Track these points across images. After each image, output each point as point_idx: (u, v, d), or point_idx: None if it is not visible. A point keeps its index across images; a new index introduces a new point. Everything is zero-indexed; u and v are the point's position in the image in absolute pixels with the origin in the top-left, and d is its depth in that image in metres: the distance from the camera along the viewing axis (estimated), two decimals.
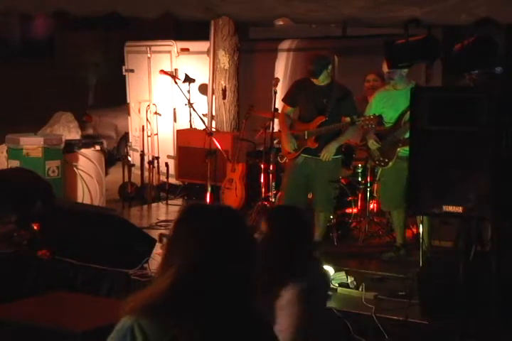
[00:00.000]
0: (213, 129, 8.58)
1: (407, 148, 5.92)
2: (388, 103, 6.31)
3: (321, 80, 6.27)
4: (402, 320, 4.71)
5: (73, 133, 11.15)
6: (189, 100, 8.44)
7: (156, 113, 9.39)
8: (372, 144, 6.34)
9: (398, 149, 6.24)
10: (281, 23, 10.45)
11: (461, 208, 4.30)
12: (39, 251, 6.30)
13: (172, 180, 9.04)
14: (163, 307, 1.92)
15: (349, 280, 5.36)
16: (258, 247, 2.12)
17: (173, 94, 9.43)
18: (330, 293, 3.50)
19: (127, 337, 1.92)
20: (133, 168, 9.00)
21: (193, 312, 1.92)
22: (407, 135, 6.08)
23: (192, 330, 1.91)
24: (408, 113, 6.09)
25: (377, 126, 6.26)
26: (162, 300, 1.93)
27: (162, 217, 7.97)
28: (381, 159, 6.34)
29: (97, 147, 8.27)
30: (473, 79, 4.84)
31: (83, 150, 8.10)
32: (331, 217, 6.70)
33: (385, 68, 6.05)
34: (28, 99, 15.55)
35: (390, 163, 6.29)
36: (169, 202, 8.71)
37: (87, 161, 8.08)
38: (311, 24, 9.67)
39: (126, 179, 8.81)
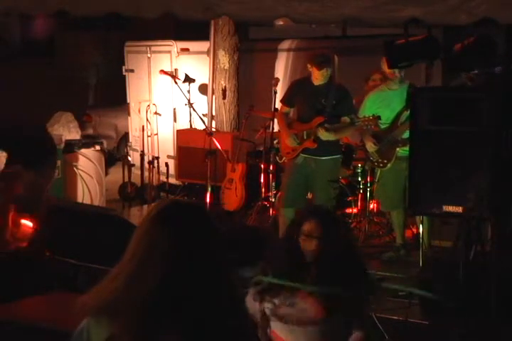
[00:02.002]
0: (213, 129, 8.58)
1: (405, 148, 5.92)
2: (383, 103, 6.31)
3: (328, 74, 6.25)
4: (402, 320, 4.71)
5: (73, 133, 11.13)
6: (189, 100, 8.45)
7: (156, 113, 9.39)
8: (371, 147, 6.34)
9: (397, 149, 6.24)
10: (281, 23, 10.44)
11: (461, 208, 4.30)
12: (39, 251, 6.29)
13: (172, 180, 9.04)
14: (121, 307, 1.91)
15: None
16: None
17: (173, 94, 9.43)
18: None
19: (80, 336, 1.98)
20: (133, 168, 9.00)
21: (172, 315, 1.90)
22: (404, 135, 6.09)
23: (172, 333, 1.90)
24: (404, 113, 6.11)
25: (374, 126, 6.26)
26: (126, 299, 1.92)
27: None
28: (380, 160, 6.34)
29: (97, 147, 8.27)
30: (471, 78, 4.84)
31: (83, 150, 8.09)
32: None
33: (385, 68, 6.05)
34: (28, 99, 15.54)
35: (389, 164, 6.29)
36: None
37: (87, 161, 8.08)
38: (311, 24, 9.66)
39: (126, 179, 8.81)
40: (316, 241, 3.21)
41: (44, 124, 6.83)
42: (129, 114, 10.73)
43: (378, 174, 6.56)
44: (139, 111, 9.68)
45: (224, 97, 8.93)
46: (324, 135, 6.24)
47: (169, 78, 8.84)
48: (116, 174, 10.16)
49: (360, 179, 7.03)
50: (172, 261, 1.94)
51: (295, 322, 3.18)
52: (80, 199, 7.93)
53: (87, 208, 7.22)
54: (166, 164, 9.06)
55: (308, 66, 6.33)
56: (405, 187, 5.91)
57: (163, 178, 9.15)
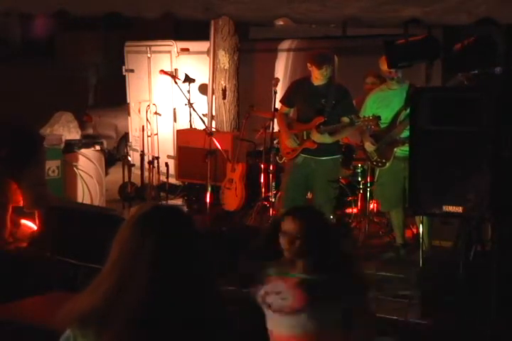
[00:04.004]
0: (213, 129, 8.58)
1: (404, 148, 5.93)
2: (383, 103, 6.31)
3: (329, 72, 6.25)
4: (402, 320, 4.71)
5: (73, 133, 11.16)
6: (189, 100, 8.44)
7: (156, 113, 9.39)
8: (369, 146, 6.35)
9: (395, 149, 6.24)
10: (281, 23, 10.46)
11: (461, 208, 4.30)
12: (38, 251, 6.30)
13: (172, 180, 9.04)
14: (100, 316, 1.89)
15: None
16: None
17: (173, 94, 9.43)
18: None
19: None
20: (133, 168, 9.00)
21: (162, 324, 1.89)
22: (403, 135, 6.09)
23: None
24: (403, 113, 6.11)
25: (375, 126, 6.26)
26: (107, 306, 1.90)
27: None
28: (378, 160, 6.34)
29: (97, 147, 8.26)
30: (468, 78, 4.84)
31: (83, 150, 8.09)
32: (331, 217, 6.70)
33: (384, 67, 6.05)
34: (28, 98, 15.55)
35: (388, 164, 6.29)
36: (169, 202, 8.71)
37: (87, 161, 8.07)
38: (311, 24, 9.67)
39: (126, 179, 8.81)
40: (291, 239, 3.17)
41: (28, 123, 6.85)
42: (129, 114, 10.74)
43: (377, 174, 6.56)
44: (139, 111, 9.68)
45: (224, 97, 8.93)
46: (317, 137, 6.26)
47: (169, 78, 8.84)
48: (116, 174, 10.16)
49: (360, 179, 7.02)
50: (158, 268, 1.92)
51: (278, 311, 3.16)
52: (80, 199, 7.93)
53: (87, 208, 7.22)
54: (166, 164, 9.06)
55: (308, 65, 6.33)
56: (404, 187, 5.92)
57: (163, 178, 9.15)
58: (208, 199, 7.73)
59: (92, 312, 1.90)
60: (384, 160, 6.30)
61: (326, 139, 6.30)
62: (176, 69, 9.39)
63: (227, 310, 2.04)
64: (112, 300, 1.90)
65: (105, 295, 1.91)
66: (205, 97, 9.24)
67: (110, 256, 1.97)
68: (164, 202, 8.71)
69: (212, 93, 9.02)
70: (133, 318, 1.87)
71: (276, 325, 3.19)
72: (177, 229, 1.99)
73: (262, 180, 7.45)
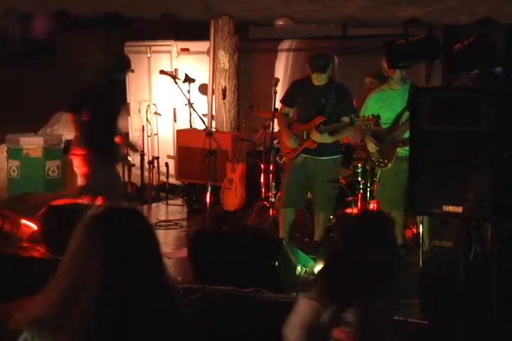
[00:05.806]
0: (213, 129, 8.58)
1: (406, 149, 5.92)
2: (385, 104, 6.30)
3: (323, 78, 6.26)
4: (402, 320, 4.71)
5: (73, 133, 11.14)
6: (189, 100, 8.44)
7: (156, 113, 9.39)
8: (372, 147, 6.34)
9: (398, 149, 6.24)
10: (281, 23, 10.45)
11: (461, 208, 4.29)
12: (38, 251, 6.31)
13: (172, 180, 9.04)
14: (57, 318, 1.88)
15: None
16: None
17: (173, 94, 9.43)
18: None
19: None
20: (133, 168, 8.99)
21: (118, 327, 1.88)
22: (405, 135, 6.08)
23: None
24: (406, 113, 6.11)
25: (375, 126, 6.26)
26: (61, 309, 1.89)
27: (162, 217, 7.98)
28: (381, 160, 6.33)
29: None
30: (472, 79, 4.84)
31: None
32: (331, 217, 6.69)
33: (385, 67, 6.04)
34: (28, 98, 15.52)
35: (390, 164, 6.28)
36: (169, 202, 8.71)
37: None
38: (311, 24, 9.67)
39: (126, 179, 8.81)
40: None
41: None
42: (129, 114, 10.73)
43: (379, 174, 6.54)
44: (139, 111, 9.67)
45: (224, 97, 8.93)
46: (317, 137, 6.25)
47: (169, 78, 8.83)
48: None
49: (360, 179, 7.01)
50: (110, 267, 1.91)
51: None
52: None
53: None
54: (166, 164, 9.06)
55: (308, 65, 6.35)
56: (406, 187, 5.91)
57: (163, 178, 9.15)
58: (207, 199, 7.72)
59: (48, 314, 1.88)
60: (386, 161, 6.29)
61: (326, 139, 6.30)
62: (176, 69, 9.39)
63: (183, 306, 2.03)
64: (67, 300, 1.88)
65: (61, 296, 1.90)
66: (205, 97, 9.23)
67: (65, 257, 1.97)
68: (164, 201, 8.72)
69: (212, 93, 9.01)
70: (89, 318, 1.86)
71: None
72: (128, 230, 1.98)
73: (262, 180, 7.45)
